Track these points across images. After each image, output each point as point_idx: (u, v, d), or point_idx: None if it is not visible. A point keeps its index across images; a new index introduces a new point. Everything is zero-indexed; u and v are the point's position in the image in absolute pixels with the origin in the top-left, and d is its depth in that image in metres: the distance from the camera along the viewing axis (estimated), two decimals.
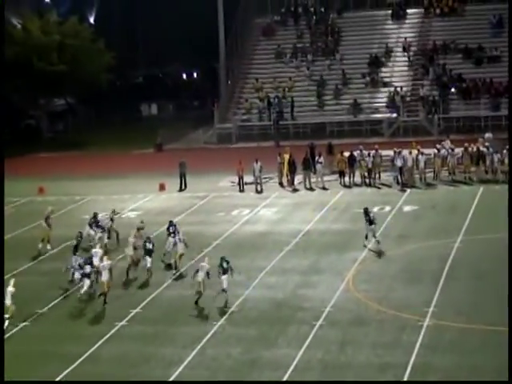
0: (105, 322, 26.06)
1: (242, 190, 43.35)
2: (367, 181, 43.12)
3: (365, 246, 31.92)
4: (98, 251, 29.27)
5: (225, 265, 26.93)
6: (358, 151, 43.76)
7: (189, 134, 63.91)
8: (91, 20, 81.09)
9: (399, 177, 42.67)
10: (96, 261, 28.43)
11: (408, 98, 59.71)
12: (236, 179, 43.95)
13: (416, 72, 62.04)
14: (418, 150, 43.12)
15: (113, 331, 25.14)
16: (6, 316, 25.46)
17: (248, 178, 43.92)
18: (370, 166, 43.10)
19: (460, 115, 57.92)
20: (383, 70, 62.60)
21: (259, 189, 42.95)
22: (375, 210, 36.68)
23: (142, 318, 26.25)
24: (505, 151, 42.34)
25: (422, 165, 42.84)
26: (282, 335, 24.14)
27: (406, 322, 24.47)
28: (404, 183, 42.48)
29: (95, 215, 33.81)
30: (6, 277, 27.54)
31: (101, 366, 22.97)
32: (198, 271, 26.59)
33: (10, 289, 25.71)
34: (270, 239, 34.03)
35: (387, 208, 37.81)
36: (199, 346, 23.65)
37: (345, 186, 43.11)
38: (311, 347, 23.17)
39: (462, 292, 26.74)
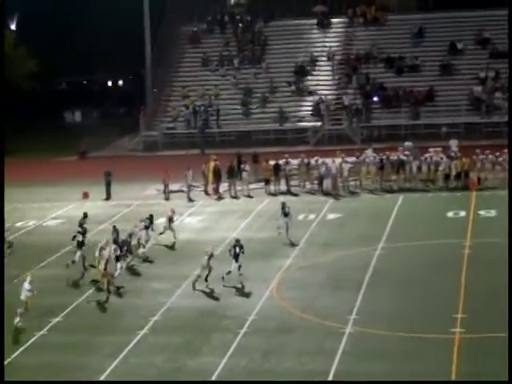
0: (24, 331, 25.72)
1: (167, 199, 43.31)
2: (291, 189, 43.59)
3: (280, 233, 33.45)
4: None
5: (237, 249, 28.63)
6: (283, 160, 44.23)
7: (114, 141, 63.56)
8: (12, 26, 79.91)
9: (325, 185, 43.17)
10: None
11: (332, 107, 60.41)
12: (162, 187, 43.90)
13: (340, 81, 62.82)
14: (342, 158, 43.72)
15: (32, 340, 24.91)
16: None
17: (174, 186, 43.93)
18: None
19: (382, 124, 58.85)
20: (308, 78, 63.22)
21: (191, 197, 42.99)
22: (300, 217, 37.06)
23: (64, 327, 26.05)
24: (422, 158, 43.24)
25: (345, 173, 43.41)
26: (206, 343, 24.19)
27: (329, 329, 24.74)
28: (328, 191, 42.96)
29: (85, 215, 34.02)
30: None
31: (21, 375, 22.68)
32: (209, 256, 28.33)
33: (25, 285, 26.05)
34: (195, 247, 33.97)
35: (312, 216, 38.16)
36: (122, 355, 23.57)
37: (270, 194, 43.40)
38: (235, 355, 23.28)
39: (384, 299, 27.13)
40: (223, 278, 28.79)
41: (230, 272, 28.87)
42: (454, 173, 42.45)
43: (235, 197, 43.29)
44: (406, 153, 44.43)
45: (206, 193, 44.19)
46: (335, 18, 67.14)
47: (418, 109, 59.00)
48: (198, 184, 44.49)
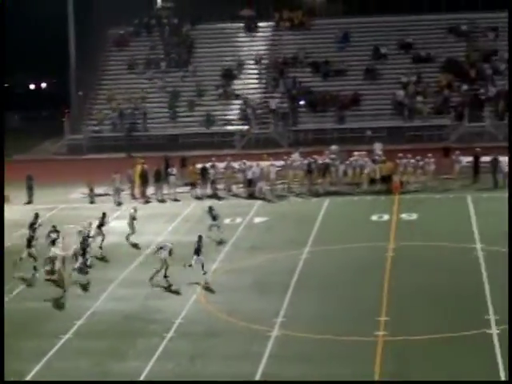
0: None
1: (92, 202, 42.94)
2: (218, 192, 43.68)
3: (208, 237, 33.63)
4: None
5: (196, 245, 29.60)
6: (210, 163, 44.31)
7: (37, 145, 62.72)
8: None
9: (258, 188, 43.36)
10: None
11: (259, 111, 60.65)
12: (87, 191, 43.52)
13: (267, 85, 63.11)
14: (270, 162, 43.97)
15: None
16: None
17: (99, 190, 43.59)
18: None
19: (308, 127, 59.30)
20: (236, 82, 63.34)
21: (119, 200, 42.69)
22: (227, 221, 37.10)
23: None
24: (348, 162, 43.73)
25: (272, 176, 43.63)
26: (132, 348, 24.06)
27: (255, 333, 24.82)
28: (254, 195, 43.13)
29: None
30: None
31: None
32: (161, 248, 29.24)
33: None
34: (122, 251, 33.85)
35: (238, 219, 38.25)
36: (45, 360, 23.30)
37: (197, 197, 43.36)
38: (161, 359, 23.20)
39: (310, 302, 27.33)
40: (185, 265, 29.60)
41: (190, 265, 29.55)
42: (378, 176, 43.03)
43: (162, 200, 43.14)
44: (332, 156, 44.89)
45: (133, 196, 43.92)
46: (262, 21, 67.43)
47: (344, 113, 59.63)
48: (125, 187, 44.21)
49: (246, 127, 59.18)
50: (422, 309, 26.23)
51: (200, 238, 30.23)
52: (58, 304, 27.95)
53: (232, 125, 60.18)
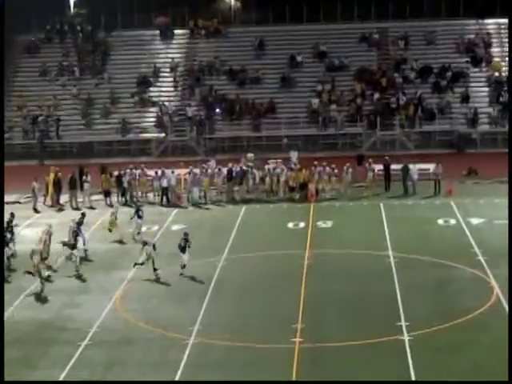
0: None
1: None
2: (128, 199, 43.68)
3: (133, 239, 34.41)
4: None
5: (182, 243, 30.72)
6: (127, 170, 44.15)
7: None
8: None
9: (167, 196, 43.24)
10: None
11: (176, 118, 60.53)
12: None
13: (183, 92, 63.03)
14: (190, 169, 43.99)
15: None
16: None
17: (9, 198, 42.74)
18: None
19: (225, 135, 59.42)
20: (151, 89, 63.03)
21: (37, 207, 42.08)
22: (143, 229, 36.87)
23: None
24: (265, 171, 44.00)
25: (189, 184, 43.61)
26: (45, 356, 23.76)
27: (172, 340, 24.75)
28: (170, 202, 43.04)
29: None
30: None
31: None
32: (146, 244, 30.79)
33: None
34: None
35: (155, 227, 38.04)
36: None
37: (111, 205, 43.03)
38: (76, 368, 22.99)
39: (227, 310, 27.39)
40: (182, 269, 30.63)
41: (184, 265, 30.57)
42: (293, 184, 43.37)
43: (76, 208, 42.63)
44: (249, 164, 45.10)
45: (46, 204, 43.32)
46: (177, 29, 67.33)
47: (260, 121, 59.95)
48: (39, 195, 43.55)
49: (162, 135, 58.96)
50: (337, 316, 26.55)
51: (185, 234, 31.25)
52: None
53: (148, 132, 59.88)
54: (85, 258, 32.95)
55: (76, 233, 32.99)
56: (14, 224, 34.54)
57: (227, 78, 63.46)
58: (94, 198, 43.65)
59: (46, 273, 30.61)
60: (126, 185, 43.82)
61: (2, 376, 21.07)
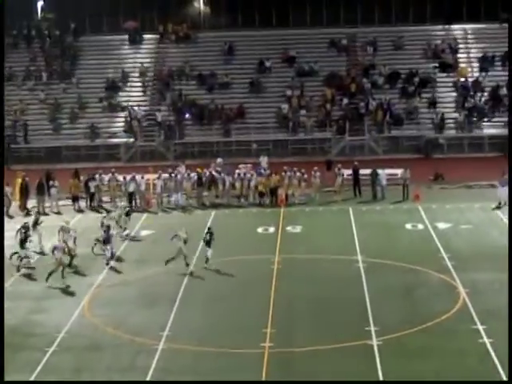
0: None
1: None
2: (96, 204, 43.56)
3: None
4: None
5: (208, 237, 31.82)
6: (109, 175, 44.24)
7: None
8: None
9: (134, 201, 43.14)
10: None
11: (145, 123, 60.38)
12: None
13: (153, 97, 62.90)
14: (155, 175, 43.90)
15: None
16: None
17: None
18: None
19: (194, 140, 59.37)
20: (120, 94, 62.84)
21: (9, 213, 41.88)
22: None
23: None
24: (236, 175, 44.02)
25: (158, 189, 43.53)
26: (12, 362, 23.50)
27: (141, 346, 24.68)
28: (139, 208, 42.93)
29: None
30: None
31: None
32: (174, 237, 31.80)
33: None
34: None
35: (124, 232, 37.88)
36: None
37: (79, 210, 42.82)
38: (43, 374, 22.85)
39: (197, 315, 27.36)
40: (206, 263, 31.82)
41: (207, 259, 31.67)
42: (263, 189, 43.42)
43: (44, 213, 42.35)
44: (218, 169, 45.11)
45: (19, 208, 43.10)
46: (147, 34, 67.19)
47: (230, 126, 59.98)
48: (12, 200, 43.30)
49: (131, 140, 58.80)
50: (306, 320, 26.62)
51: (209, 229, 32.44)
52: None
53: (117, 137, 59.68)
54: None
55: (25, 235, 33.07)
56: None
57: (197, 82, 63.43)
58: (61, 203, 43.41)
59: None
60: (93, 190, 43.67)
61: (2, 376, 21.04)
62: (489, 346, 23.71)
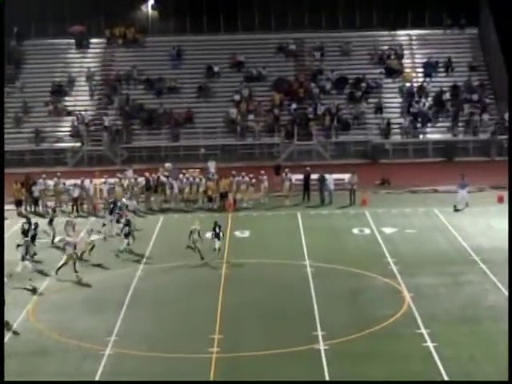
0: None
1: None
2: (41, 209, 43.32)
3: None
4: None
5: (217, 230, 33.33)
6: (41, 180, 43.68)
7: None
8: None
9: (76, 207, 42.85)
10: None
11: (92, 128, 60.01)
12: None
13: (100, 101, 62.55)
14: (103, 180, 43.67)
15: None
16: None
17: None
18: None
19: (142, 145, 59.18)
20: (67, 98, 62.39)
21: None
22: (57, 239, 36.43)
23: None
24: (185, 180, 43.94)
25: (105, 194, 43.31)
26: None
27: (87, 351, 24.55)
28: (83, 212, 42.71)
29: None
30: None
31: None
32: (191, 233, 33.67)
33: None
34: None
35: (54, 239, 37.38)
36: None
37: (21, 215, 42.35)
38: None
39: (144, 320, 27.28)
40: (214, 252, 33.25)
41: (215, 249, 33.10)
42: (212, 194, 43.44)
43: None
44: (166, 174, 45.01)
45: None
46: (93, 38, 66.80)
47: (178, 130, 59.88)
48: None
49: (78, 144, 58.38)
50: (254, 325, 26.68)
51: (216, 222, 33.76)
52: None
53: (63, 142, 59.23)
54: None
55: None
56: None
57: (145, 87, 63.25)
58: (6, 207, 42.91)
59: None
60: (37, 194, 43.33)
61: (2, 376, 20.90)
62: (432, 349, 24.03)
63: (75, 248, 32.26)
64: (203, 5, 66.52)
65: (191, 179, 44.01)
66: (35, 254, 33.75)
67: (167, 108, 61.00)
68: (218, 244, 33.21)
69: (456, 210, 41.23)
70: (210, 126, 60.27)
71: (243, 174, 44.16)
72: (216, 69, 64.08)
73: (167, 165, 47.36)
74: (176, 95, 62.87)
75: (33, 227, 35.15)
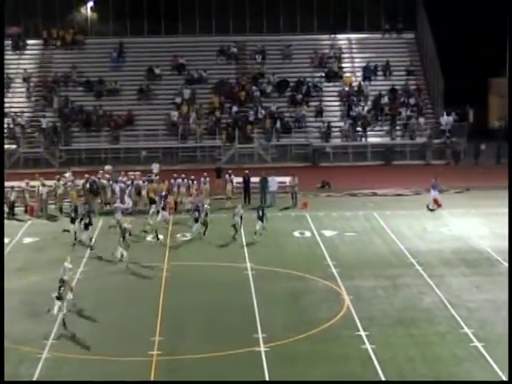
0: None
1: None
2: None
3: None
4: None
5: (260, 213, 36.69)
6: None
7: None
8: None
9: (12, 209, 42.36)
10: None
11: (29, 130, 59.30)
12: None
13: (37, 103, 61.85)
14: (41, 182, 43.17)
15: None
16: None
17: None
18: None
19: (82, 147, 58.68)
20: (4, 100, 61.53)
21: None
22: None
23: None
24: (129, 182, 43.62)
25: (44, 196, 42.85)
26: None
27: (24, 355, 24.26)
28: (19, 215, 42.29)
29: None
30: None
31: None
32: (234, 215, 36.90)
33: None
34: None
35: (6, 240, 37.01)
36: None
37: None
38: None
39: (83, 323, 27.03)
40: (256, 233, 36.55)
41: (259, 231, 36.29)
42: (154, 196, 43.19)
43: None
44: (107, 176, 44.69)
45: None
46: (31, 39, 65.98)
47: (118, 132, 59.52)
48: None
49: (13, 146, 57.63)
50: (195, 328, 26.63)
51: (260, 206, 37.89)
52: None
53: None
54: None
55: None
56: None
57: (84, 89, 62.73)
58: None
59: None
60: None
61: (2, 376, 20.63)
62: (371, 351, 24.24)
63: None
64: (144, 7, 66.28)
65: (135, 182, 43.66)
66: None
67: (107, 110, 60.59)
68: (259, 225, 36.32)
69: (430, 210, 41.95)
70: (151, 128, 60.05)
71: (183, 175, 44.06)
72: (157, 71, 63.87)
73: (107, 167, 47.04)
74: (116, 97, 62.50)
75: None
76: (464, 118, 62.47)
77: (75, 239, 36.67)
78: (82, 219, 36.78)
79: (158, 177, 45.00)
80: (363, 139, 60.30)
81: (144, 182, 43.79)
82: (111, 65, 64.63)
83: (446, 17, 68.39)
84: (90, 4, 68.40)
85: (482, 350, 24.15)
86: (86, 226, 36.28)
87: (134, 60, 64.92)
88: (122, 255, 32.82)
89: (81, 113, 60.55)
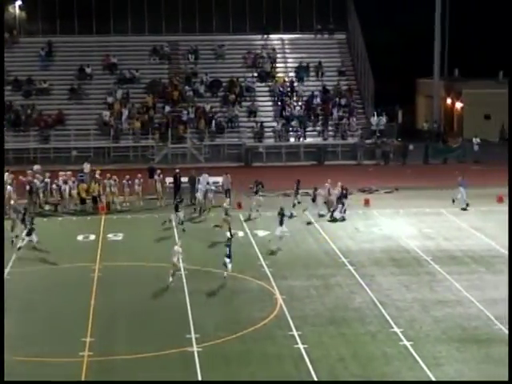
0: None
1: None
2: None
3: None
4: None
5: (280, 218, 35.99)
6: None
7: None
8: None
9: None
10: None
11: None
12: None
13: None
14: None
15: None
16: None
17: None
18: None
19: (10, 147, 57.76)
20: None
21: None
22: None
23: None
24: (56, 182, 43.18)
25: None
26: None
27: None
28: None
29: None
30: None
31: None
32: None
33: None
34: None
35: None
36: None
37: None
38: None
39: (12, 324, 26.52)
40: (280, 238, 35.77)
41: (281, 235, 35.61)
42: (85, 196, 42.92)
43: None
44: (37, 176, 44.13)
45: None
46: None
47: (48, 132, 58.85)
48: None
49: None
50: (126, 328, 26.50)
51: (282, 209, 36.21)
52: None
53: None
54: None
55: None
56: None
57: (13, 88, 61.86)
58: None
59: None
60: None
61: (2, 376, 20.36)
62: (303, 351, 24.41)
63: None
64: (74, 7, 65.66)
65: (61, 182, 43.19)
66: None
67: (37, 109, 59.85)
68: (279, 229, 35.68)
69: (463, 209, 42.62)
70: (83, 128, 59.50)
71: (114, 177, 43.73)
72: (88, 70, 63.36)
73: (36, 167, 46.45)
74: (46, 96, 61.80)
75: None
76: (393, 118, 63.37)
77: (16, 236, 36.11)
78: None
79: (89, 177, 44.55)
80: (296, 139, 60.64)
81: (74, 181, 43.36)
82: (40, 64, 63.86)
83: (376, 18, 69.35)
84: (19, 3, 67.47)
85: (410, 349, 24.52)
86: (30, 232, 35.35)
87: (65, 59, 64.33)
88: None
89: (9, 112, 59.66)
